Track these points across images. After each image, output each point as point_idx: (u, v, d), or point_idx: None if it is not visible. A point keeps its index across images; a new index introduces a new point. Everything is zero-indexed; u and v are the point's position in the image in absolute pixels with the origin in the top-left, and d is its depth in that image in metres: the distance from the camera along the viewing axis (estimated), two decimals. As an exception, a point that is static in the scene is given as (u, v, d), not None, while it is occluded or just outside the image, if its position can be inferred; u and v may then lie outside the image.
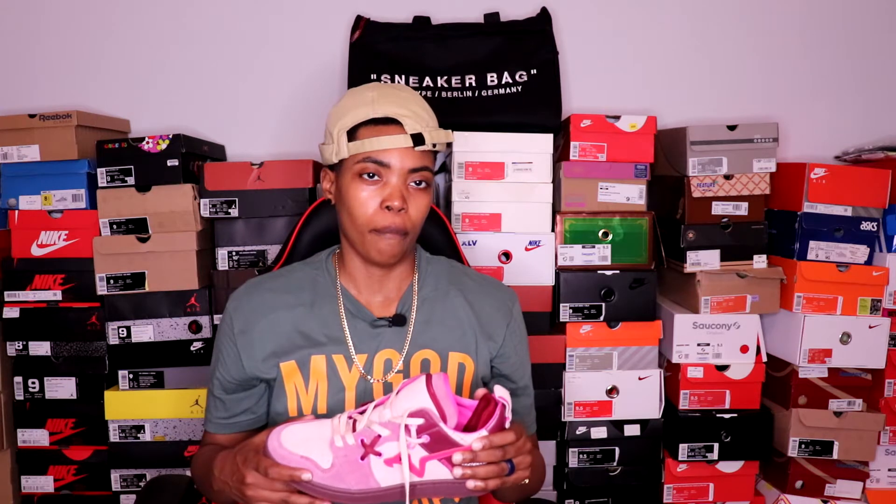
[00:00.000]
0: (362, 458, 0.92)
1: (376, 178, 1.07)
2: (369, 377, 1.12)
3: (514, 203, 1.71)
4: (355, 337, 1.13)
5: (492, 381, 1.21)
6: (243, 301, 1.16)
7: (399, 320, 1.14)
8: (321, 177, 1.16)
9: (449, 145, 1.73)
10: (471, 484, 0.93)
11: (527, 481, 1.05)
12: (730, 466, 1.83)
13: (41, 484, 1.77)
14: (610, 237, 1.74)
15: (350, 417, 0.96)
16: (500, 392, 0.95)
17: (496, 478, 0.94)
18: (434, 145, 1.08)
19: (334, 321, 1.14)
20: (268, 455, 0.93)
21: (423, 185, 1.09)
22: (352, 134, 1.08)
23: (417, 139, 1.06)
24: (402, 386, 0.95)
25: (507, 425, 0.95)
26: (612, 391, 1.75)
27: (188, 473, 1.44)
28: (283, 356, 1.12)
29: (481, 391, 0.98)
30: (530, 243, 1.72)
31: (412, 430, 0.91)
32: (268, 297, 1.15)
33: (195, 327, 1.73)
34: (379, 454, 0.92)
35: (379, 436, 0.93)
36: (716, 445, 1.78)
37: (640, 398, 1.76)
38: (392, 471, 0.93)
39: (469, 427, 0.96)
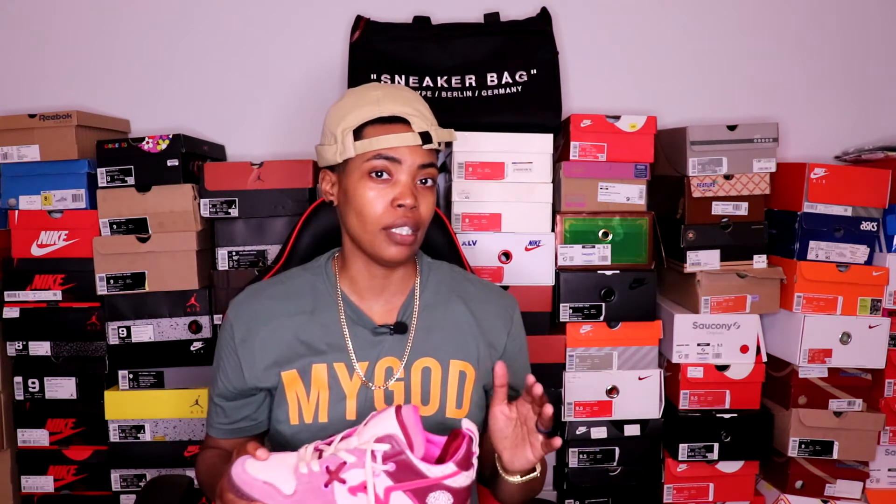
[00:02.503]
0: (326, 486, 0.90)
1: (385, 176, 1.06)
2: (371, 385, 1.11)
3: (514, 203, 1.71)
4: (356, 345, 1.13)
5: (493, 389, 1.20)
6: (243, 309, 1.15)
7: (400, 328, 1.13)
8: (320, 178, 1.15)
9: (449, 145, 1.74)
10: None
11: (538, 472, 1.05)
12: (730, 466, 1.83)
13: (41, 484, 1.77)
14: (610, 237, 1.74)
15: (317, 449, 0.95)
16: (467, 425, 0.94)
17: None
18: (439, 144, 1.09)
19: (335, 329, 1.13)
20: (231, 482, 0.91)
21: (430, 182, 1.09)
22: (358, 133, 1.07)
23: (425, 137, 1.06)
24: (372, 416, 0.94)
25: (475, 460, 0.94)
26: (612, 391, 1.75)
27: (188, 473, 1.44)
28: (285, 365, 1.11)
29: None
30: (530, 243, 1.72)
31: (378, 457, 0.90)
32: (268, 304, 1.15)
33: (195, 327, 1.73)
34: (343, 481, 0.90)
35: (344, 462, 0.90)
36: (716, 445, 1.78)
37: (640, 398, 1.76)
38: (355, 500, 0.90)
39: (438, 461, 0.95)
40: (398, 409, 0.92)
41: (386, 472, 0.90)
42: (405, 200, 1.05)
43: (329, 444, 0.95)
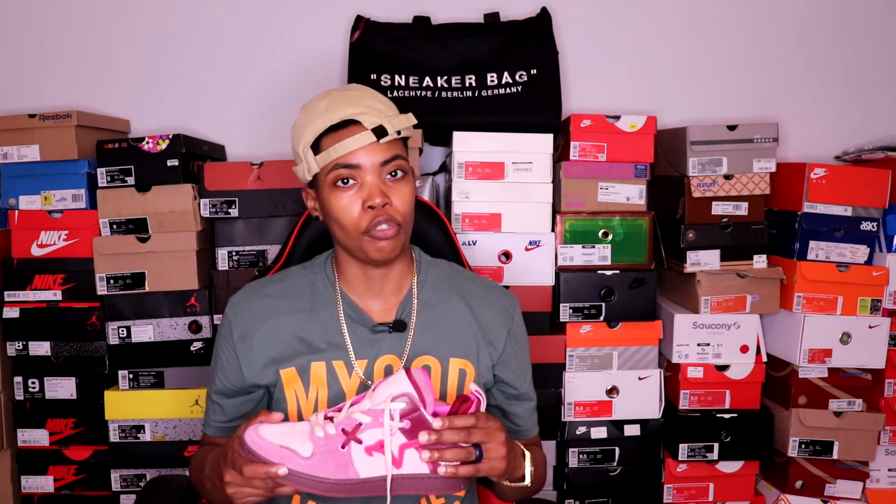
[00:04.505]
0: (343, 447, 0.93)
1: (351, 182, 1.07)
2: (370, 383, 1.11)
3: (514, 203, 1.71)
4: (355, 343, 1.13)
5: (493, 387, 1.21)
6: (242, 307, 1.15)
7: (399, 326, 1.13)
8: (304, 197, 1.16)
9: (446, 143, 1.73)
10: (441, 470, 0.95)
11: (528, 483, 1.06)
12: (730, 466, 1.83)
13: (41, 484, 1.77)
14: (610, 237, 1.74)
15: (327, 417, 0.97)
16: (475, 387, 0.98)
17: (465, 464, 0.96)
18: (399, 132, 1.08)
19: (334, 327, 1.13)
20: (246, 448, 0.91)
21: (400, 174, 1.08)
22: (316, 147, 1.08)
23: (379, 132, 1.06)
24: (380, 382, 0.97)
25: None
26: (612, 391, 1.75)
27: (188, 474, 1.44)
28: (283, 363, 1.11)
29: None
30: (530, 243, 1.72)
31: (395, 415, 0.93)
32: (267, 302, 1.15)
33: (195, 327, 1.73)
34: (360, 441, 0.93)
35: (360, 423, 0.93)
36: (716, 445, 1.78)
37: (640, 398, 1.76)
38: (372, 460, 0.93)
39: None
40: (408, 371, 0.95)
41: (401, 430, 0.93)
42: (374, 201, 1.05)
43: (338, 410, 0.97)
